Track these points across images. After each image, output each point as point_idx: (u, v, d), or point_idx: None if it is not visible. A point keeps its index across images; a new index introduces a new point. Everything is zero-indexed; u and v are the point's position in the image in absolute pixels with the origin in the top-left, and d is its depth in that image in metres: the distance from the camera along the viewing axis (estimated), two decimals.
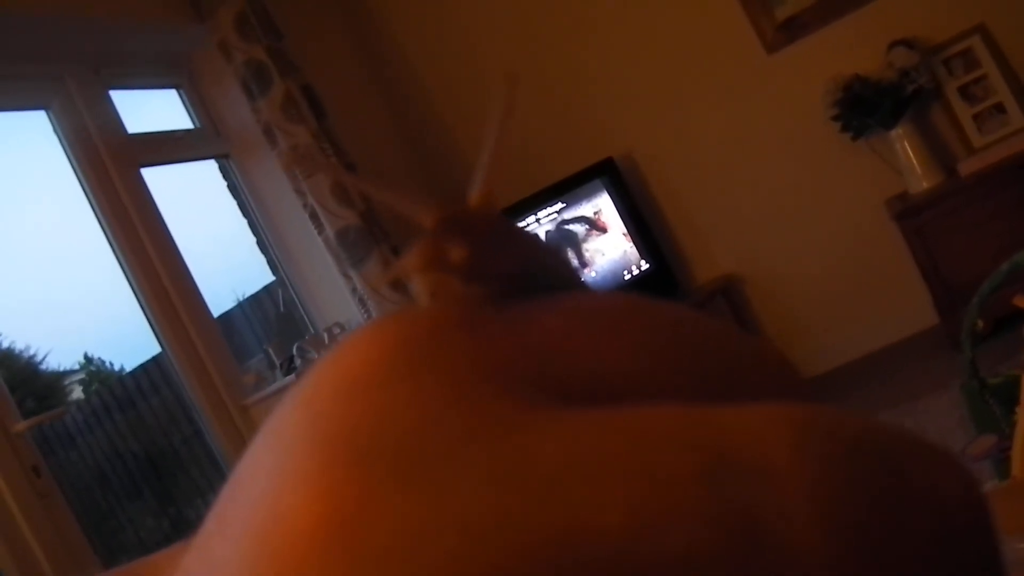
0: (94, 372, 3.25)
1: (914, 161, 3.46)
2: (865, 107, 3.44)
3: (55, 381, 3.02)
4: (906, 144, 3.46)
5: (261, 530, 0.15)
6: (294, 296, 3.36)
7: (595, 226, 3.80)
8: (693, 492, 0.14)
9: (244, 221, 3.35)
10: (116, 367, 3.28)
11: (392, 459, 0.15)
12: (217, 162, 3.34)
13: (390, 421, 0.16)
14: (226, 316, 3.38)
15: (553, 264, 0.24)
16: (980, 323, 2.36)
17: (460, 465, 0.15)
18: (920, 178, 3.44)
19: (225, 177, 3.36)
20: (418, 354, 0.18)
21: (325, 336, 3.03)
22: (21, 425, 2.23)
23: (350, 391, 0.17)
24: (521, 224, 3.59)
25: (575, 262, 3.80)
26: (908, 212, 3.35)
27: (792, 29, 3.66)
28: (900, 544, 0.15)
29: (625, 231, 3.77)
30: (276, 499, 0.16)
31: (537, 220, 3.79)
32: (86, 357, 3.12)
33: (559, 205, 3.81)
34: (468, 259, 0.20)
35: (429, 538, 0.14)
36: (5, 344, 2.53)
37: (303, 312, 3.36)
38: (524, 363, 0.18)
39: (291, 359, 2.96)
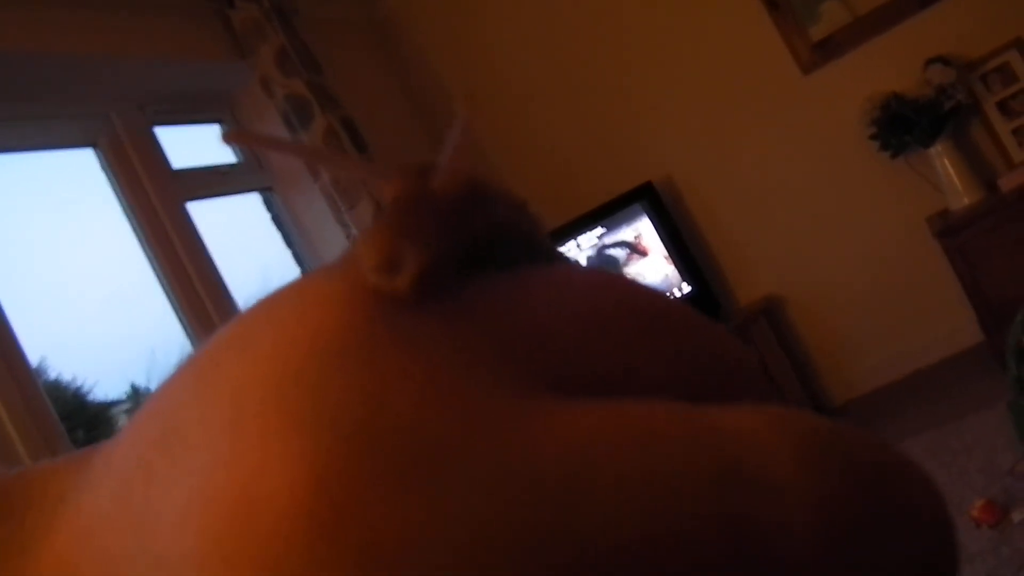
0: (141, 403, 3.29)
1: (954, 178, 3.43)
2: (903, 125, 3.42)
3: (102, 412, 3.04)
4: (945, 161, 3.44)
5: (227, 511, 0.14)
6: None
7: (636, 250, 3.81)
8: (704, 499, 0.14)
9: (288, 252, 3.40)
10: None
11: (387, 448, 0.14)
12: (261, 195, 3.39)
13: (380, 403, 0.15)
14: None
15: (528, 231, 0.22)
16: None
17: (463, 462, 0.14)
18: (960, 195, 3.42)
19: (269, 209, 3.40)
20: (399, 327, 0.16)
21: None
22: None
23: (326, 359, 0.15)
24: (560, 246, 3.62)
25: None
26: (949, 229, 3.33)
27: (827, 49, 3.67)
28: (884, 561, 0.16)
29: (666, 254, 3.78)
30: (247, 475, 0.14)
31: (578, 245, 3.81)
32: (133, 387, 3.16)
33: (599, 230, 3.82)
34: (423, 270, 0.17)
35: (431, 542, 0.13)
36: (53, 375, 2.55)
37: None
38: (512, 346, 0.17)
39: None
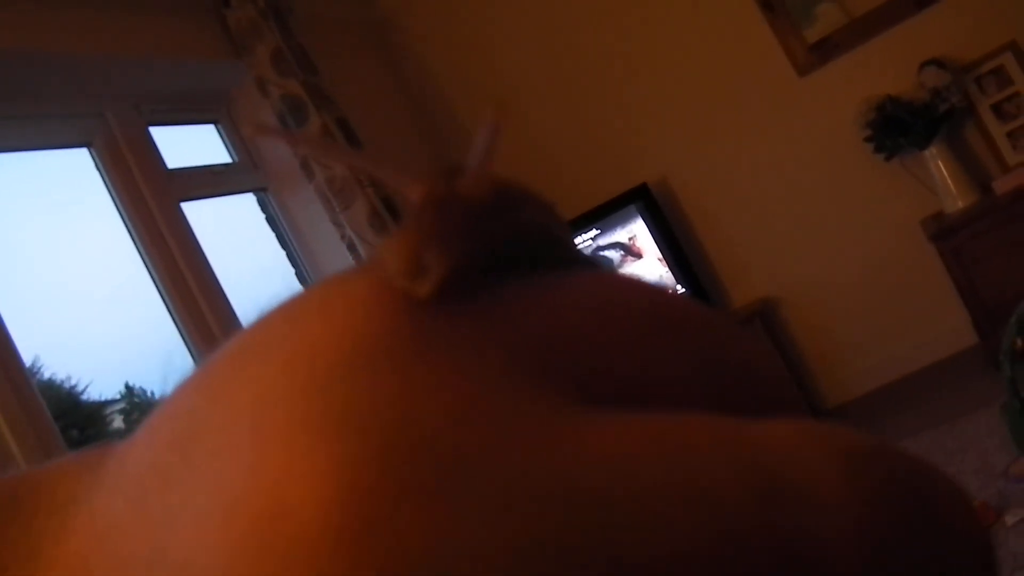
0: (136, 402, 3.28)
1: (948, 180, 3.44)
2: (898, 127, 3.42)
3: (96, 411, 3.03)
4: (940, 164, 3.44)
5: (250, 520, 0.13)
6: None
7: (630, 252, 3.81)
8: (747, 514, 0.14)
9: (282, 253, 3.39)
10: (157, 397, 3.30)
11: (416, 459, 0.13)
12: (255, 195, 3.39)
13: (409, 412, 0.14)
14: None
15: (556, 234, 0.21)
16: (1019, 342, 2.35)
17: (494, 474, 0.13)
18: (955, 197, 3.43)
19: (263, 210, 3.40)
20: (426, 332, 0.16)
21: None
22: None
23: (353, 365, 0.15)
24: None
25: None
26: (944, 232, 3.33)
27: (823, 51, 3.67)
28: (926, 574, 0.15)
29: (660, 256, 3.78)
30: (272, 483, 0.13)
31: None
32: (127, 387, 3.15)
33: (594, 232, 3.82)
34: (448, 274, 0.17)
35: (460, 556, 0.12)
36: (47, 375, 2.54)
37: None
38: (541, 353, 0.16)
39: None
